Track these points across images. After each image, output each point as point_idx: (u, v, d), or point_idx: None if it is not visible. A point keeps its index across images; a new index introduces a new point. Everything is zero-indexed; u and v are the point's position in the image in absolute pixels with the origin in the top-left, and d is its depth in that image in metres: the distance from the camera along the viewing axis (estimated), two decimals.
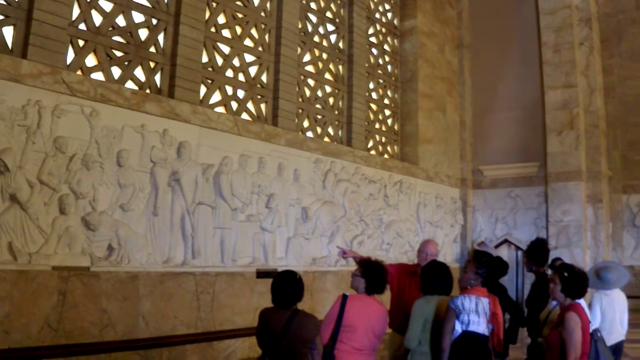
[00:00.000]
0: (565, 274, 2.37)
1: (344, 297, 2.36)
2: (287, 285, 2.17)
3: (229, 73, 5.26)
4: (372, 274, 2.39)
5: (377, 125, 7.30)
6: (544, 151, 8.26)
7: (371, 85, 7.23)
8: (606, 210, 8.51)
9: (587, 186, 8.21)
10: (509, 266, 3.40)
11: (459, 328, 2.33)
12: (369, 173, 6.66)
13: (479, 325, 2.37)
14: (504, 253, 8.16)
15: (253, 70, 5.53)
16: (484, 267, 2.57)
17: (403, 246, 7.17)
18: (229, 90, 5.24)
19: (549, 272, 3.20)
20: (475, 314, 2.42)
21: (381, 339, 2.48)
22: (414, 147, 7.47)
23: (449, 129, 8.39)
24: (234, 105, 5.29)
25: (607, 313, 3.12)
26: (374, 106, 7.27)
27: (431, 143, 7.81)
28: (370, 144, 7.15)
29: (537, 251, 3.45)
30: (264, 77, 5.64)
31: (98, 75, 4.15)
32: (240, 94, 5.37)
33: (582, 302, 2.54)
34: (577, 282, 2.33)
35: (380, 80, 7.42)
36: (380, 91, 7.42)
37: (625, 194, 9.43)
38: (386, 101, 7.51)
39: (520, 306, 3.85)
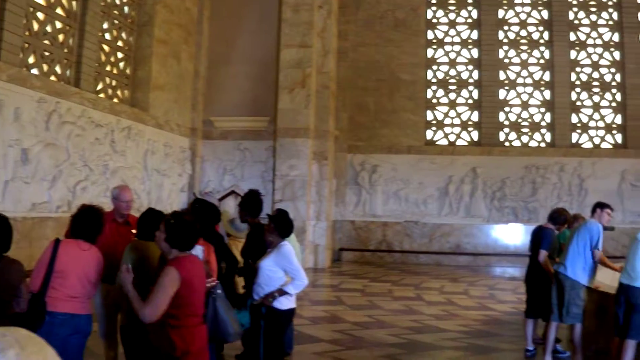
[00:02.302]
0: (172, 222, 3.30)
1: (56, 242, 3.51)
2: None
3: None
4: (79, 218, 3.72)
5: (108, 68, 11.65)
6: (275, 107, 14.61)
7: (105, 26, 11.38)
8: (331, 168, 15.64)
9: (314, 143, 15.00)
10: (220, 214, 5.14)
11: None
12: (96, 117, 10.52)
13: None
14: (231, 204, 14.17)
15: None
16: (196, 213, 4.37)
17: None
18: None
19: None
20: None
21: (97, 287, 3.81)
22: (145, 93, 12.28)
23: (183, 78, 13.63)
24: None
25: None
26: (106, 47, 11.54)
27: (163, 90, 12.81)
28: (100, 86, 11.36)
29: (251, 202, 5.56)
30: None
31: None
32: None
33: (286, 249, 4.54)
34: (183, 232, 3.28)
35: (116, 22, 11.70)
36: (115, 33, 11.75)
37: (350, 153, 17.20)
38: (120, 43, 11.95)
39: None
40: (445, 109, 17.79)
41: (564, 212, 6.98)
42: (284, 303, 4.64)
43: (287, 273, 4.65)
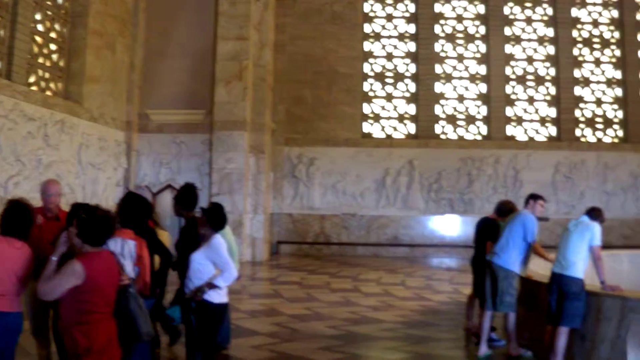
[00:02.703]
0: (83, 217, 3.59)
1: None
2: None
3: None
4: (7, 215, 4.02)
5: (41, 60, 12.57)
6: (211, 100, 15.80)
7: (38, 17, 12.24)
8: (268, 161, 16.88)
9: (251, 137, 16.18)
10: (152, 208, 5.45)
11: None
12: (28, 110, 11.05)
13: (125, 267, 4.01)
14: (167, 198, 15.32)
15: None
16: (127, 207, 4.77)
17: (62, 188, 12.76)
18: None
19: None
20: (121, 256, 4.04)
21: (26, 284, 4.04)
22: (79, 86, 13.28)
23: (118, 70, 14.70)
24: None
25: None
26: (39, 39, 12.46)
27: (98, 83, 13.84)
28: (33, 79, 12.14)
29: (186, 196, 6.04)
30: None
31: None
32: None
33: (216, 242, 4.89)
34: (95, 227, 3.60)
35: (49, 12, 12.66)
36: (48, 24, 12.69)
37: (287, 145, 18.52)
38: (53, 35, 12.90)
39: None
40: (382, 101, 19.28)
41: (509, 204, 7.53)
42: (214, 297, 4.89)
43: (216, 266, 4.94)
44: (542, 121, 19.41)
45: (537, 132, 19.37)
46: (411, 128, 19.19)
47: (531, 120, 19.40)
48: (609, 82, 19.58)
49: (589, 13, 19.87)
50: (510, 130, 19.27)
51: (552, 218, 17.03)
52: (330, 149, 18.40)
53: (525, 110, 19.44)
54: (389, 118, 19.26)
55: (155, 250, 4.99)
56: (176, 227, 14.94)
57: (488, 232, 7.38)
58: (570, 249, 6.11)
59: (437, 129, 19.21)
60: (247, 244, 15.85)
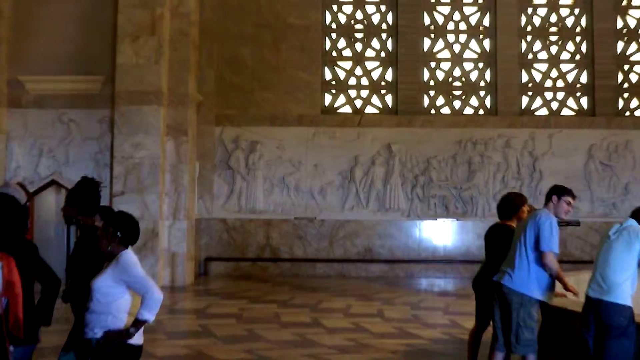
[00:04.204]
0: None
1: None
2: None
3: None
4: None
5: None
6: (112, 62, 15.76)
7: None
8: (192, 146, 16.89)
9: (169, 113, 16.21)
10: (27, 214, 5.38)
11: None
12: None
13: None
14: (51, 199, 15.32)
15: None
16: None
17: None
18: None
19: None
20: None
21: None
22: None
23: None
24: None
25: None
26: None
27: None
28: None
29: (83, 195, 5.90)
30: None
31: None
32: None
33: (126, 259, 4.80)
34: None
35: None
36: None
37: (219, 125, 18.66)
38: None
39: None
40: (348, 64, 19.56)
41: (516, 199, 7.67)
42: (135, 337, 4.91)
43: (133, 291, 4.91)
44: (570, 89, 19.76)
45: (563, 104, 19.74)
46: (389, 100, 19.47)
47: (554, 89, 19.75)
48: None
49: None
50: (525, 102, 19.63)
51: (585, 221, 17.51)
52: (279, 129, 18.63)
53: (546, 75, 19.73)
54: (358, 87, 19.56)
55: (34, 273, 4.93)
56: (64, 240, 14.99)
57: (503, 243, 7.25)
58: (612, 266, 6.04)
59: (425, 101, 19.51)
60: (164, 262, 15.96)
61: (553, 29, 20.02)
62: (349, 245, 18.59)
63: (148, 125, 15.64)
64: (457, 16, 19.92)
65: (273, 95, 18.82)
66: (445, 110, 19.68)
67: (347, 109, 19.53)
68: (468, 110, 19.71)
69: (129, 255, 4.95)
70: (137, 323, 4.79)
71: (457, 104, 19.73)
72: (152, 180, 15.65)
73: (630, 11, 20.08)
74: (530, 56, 19.88)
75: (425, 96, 19.63)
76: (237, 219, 18.53)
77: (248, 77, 18.83)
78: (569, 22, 19.98)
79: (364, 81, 19.65)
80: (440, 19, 19.92)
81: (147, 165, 15.61)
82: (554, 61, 19.87)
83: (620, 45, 19.89)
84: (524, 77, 19.74)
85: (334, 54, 19.68)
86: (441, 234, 18.73)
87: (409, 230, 18.75)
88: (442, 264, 18.30)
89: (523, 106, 19.61)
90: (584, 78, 19.75)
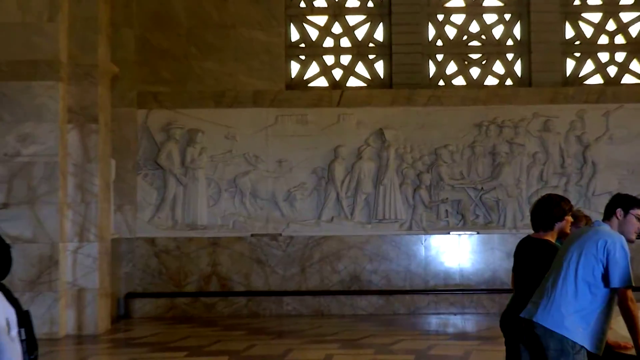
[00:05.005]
0: None
1: None
2: None
3: None
4: None
5: None
6: None
7: None
8: (106, 138, 16.52)
9: (71, 91, 15.81)
10: None
11: None
12: None
13: None
14: None
15: None
16: None
17: None
18: None
19: None
20: None
21: None
22: None
23: None
24: None
25: None
26: None
27: None
28: None
29: None
30: None
31: None
32: None
33: None
34: None
35: None
36: None
37: (144, 108, 18.29)
38: None
39: None
40: (323, 19, 19.42)
41: (560, 204, 7.53)
42: None
43: None
44: (635, 47, 19.76)
45: (624, 69, 19.72)
46: (380, 69, 19.42)
47: (612, 47, 19.76)
48: None
49: None
50: (571, 67, 19.61)
51: None
52: (227, 111, 18.54)
53: (600, 28, 19.73)
54: (337, 51, 19.51)
55: None
56: None
57: (540, 265, 7.22)
58: None
59: (431, 69, 19.48)
60: (67, 301, 15.67)
61: None
62: (328, 272, 18.39)
63: (41, 109, 15.46)
64: None
65: (218, 64, 18.65)
66: (459, 82, 19.65)
67: (322, 82, 19.47)
68: (490, 81, 19.68)
69: None
70: None
71: (475, 71, 19.69)
72: (48, 186, 15.46)
73: None
74: (577, 1, 19.85)
75: (431, 62, 19.57)
76: (171, 238, 18.30)
77: (182, 39, 18.66)
78: None
79: (345, 42, 19.58)
80: None
81: (40, 165, 15.45)
82: (611, 8, 19.85)
83: None
84: (569, 33, 19.72)
85: (303, 4, 19.58)
86: (456, 253, 18.58)
87: (412, 249, 18.56)
88: (458, 295, 18.18)
89: (568, 73, 19.60)
90: None
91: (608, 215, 6.68)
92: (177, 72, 18.54)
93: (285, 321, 17.12)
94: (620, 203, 6.69)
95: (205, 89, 18.48)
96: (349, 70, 19.43)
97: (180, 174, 18.29)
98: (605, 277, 6.33)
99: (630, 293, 6.33)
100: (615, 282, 6.29)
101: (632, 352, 6.57)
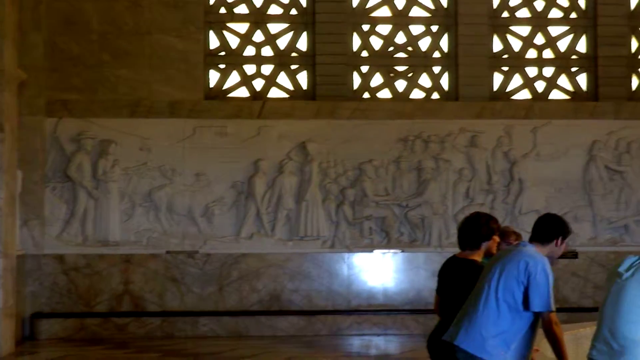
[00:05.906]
0: None
1: None
2: None
3: None
4: None
5: None
6: None
7: None
8: (11, 147, 15.89)
9: None
10: None
11: None
12: None
13: None
14: None
15: None
16: None
17: None
18: None
19: None
20: None
21: None
22: None
23: None
24: None
25: None
26: None
27: None
28: None
29: None
30: None
31: None
32: None
33: None
34: None
35: None
36: None
37: (53, 117, 17.72)
38: None
39: None
40: (244, 27, 19.09)
41: (488, 223, 7.60)
42: None
43: None
44: (563, 63, 19.71)
45: (552, 84, 19.63)
46: (303, 80, 19.24)
47: (540, 62, 19.73)
48: None
49: None
50: (499, 81, 19.52)
51: (585, 252, 17.45)
52: (142, 122, 18.13)
53: (528, 42, 19.68)
54: (258, 60, 19.26)
55: None
56: None
57: (466, 286, 7.18)
58: (625, 316, 6.17)
59: (355, 80, 19.27)
60: None
61: None
62: (246, 291, 18.10)
63: None
64: None
65: (132, 72, 18.20)
66: (385, 94, 19.44)
67: (242, 93, 19.17)
68: (417, 94, 19.49)
69: None
70: None
71: (400, 84, 19.47)
72: None
73: None
74: (505, 14, 19.77)
75: (356, 74, 19.35)
76: (81, 254, 17.79)
77: (94, 45, 18.15)
78: None
79: (267, 51, 19.29)
80: None
81: None
82: (539, 21, 19.79)
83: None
84: (497, 46, 19.67)
85: (223, 10, 19.27)
86: (380, 272, 18.44)
87: (334, 268, 18.35)
88: (382, 316, 17.92)
89: (495, 87, 19.53)
90: (582, 46, 19.78)
91: (542, 238, 6.71)
92: (89, 79, 18.10)
93: (202, 343, 16.77)
94: (561, 231, 6.75)
95: (119, 98, 18.09)
96: (271, 81, 19.21)
97: (91, 187, 17.88)
98: (526, 300, 6.40)
99: (554, 316, 6.41)
100: (535, 305, 6.36)
101: None
